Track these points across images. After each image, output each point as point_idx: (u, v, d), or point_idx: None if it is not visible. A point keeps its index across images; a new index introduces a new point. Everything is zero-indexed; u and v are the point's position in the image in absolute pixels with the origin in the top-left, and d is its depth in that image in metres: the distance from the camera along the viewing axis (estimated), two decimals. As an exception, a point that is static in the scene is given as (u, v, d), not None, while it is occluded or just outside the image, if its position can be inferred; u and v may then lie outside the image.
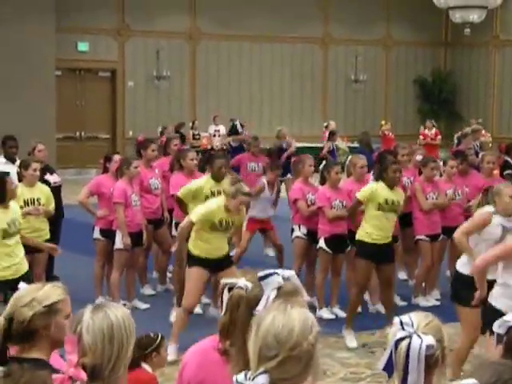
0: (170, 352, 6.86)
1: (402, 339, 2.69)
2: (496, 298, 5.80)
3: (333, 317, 8.99)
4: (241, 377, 2.48)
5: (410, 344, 2.66)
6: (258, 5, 24.14)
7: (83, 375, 2.75)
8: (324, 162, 11.41)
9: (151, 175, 9.93)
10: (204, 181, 8.85)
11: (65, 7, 22.03)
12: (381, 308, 9.14)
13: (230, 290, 3.35)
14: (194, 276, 7.62)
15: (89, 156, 21.36)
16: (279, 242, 10.32)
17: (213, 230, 7.61)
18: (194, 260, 7.65)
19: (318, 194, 9.12)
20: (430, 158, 10.38)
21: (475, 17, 21.29)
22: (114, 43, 23.34)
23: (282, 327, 2.37)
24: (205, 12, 23.95)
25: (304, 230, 9.30)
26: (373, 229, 8.25)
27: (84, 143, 22.85)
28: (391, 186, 8.35)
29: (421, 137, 21.66)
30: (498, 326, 3.33)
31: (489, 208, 6.52)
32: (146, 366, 5.21)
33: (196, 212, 7.68)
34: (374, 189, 8.39)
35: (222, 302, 3.38)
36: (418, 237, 9.60)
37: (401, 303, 9.51)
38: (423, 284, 9.82)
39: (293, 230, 9.47)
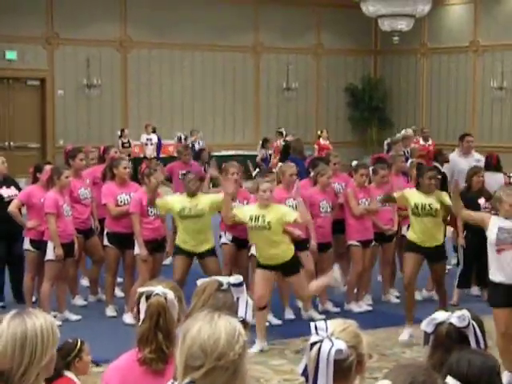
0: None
1: (314, 343, 2.69)
2: None
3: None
4: None
5: (320, 348, 2.67)
6: (189, 13, 24.10)
7: None
8: (258, 170, 11.59)
9: (80, 185, 9.83)
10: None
11: (-8, 15, 21.71)
12: (314, 314, 9.20)
13: (147, 298, 3.34)
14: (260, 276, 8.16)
15: (18, 166, 20.93)
16: None
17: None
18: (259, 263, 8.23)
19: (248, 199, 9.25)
20: (360, 164, 10.51)
21: (403, 25, 21.60)
22: (43, 51, 23.04)
23: (208, 337, 2.36)
24: (136, 20, 23.82)
25: (229, 236, 9.38)
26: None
27: (13, 152, 22.44)
28: (426, 192, 8.61)
29: (316, 146, 21.18)
30: (425, 325, 3.37)
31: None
32: (69, 374, 5.11)
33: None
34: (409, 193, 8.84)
35: (138, 310, 3.37)
36: (349, 242, 9.71)
37: (333, 309, 9.59)
38: (355, 290, 9.91)
39: (220, 237, 9.57)
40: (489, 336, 3.43)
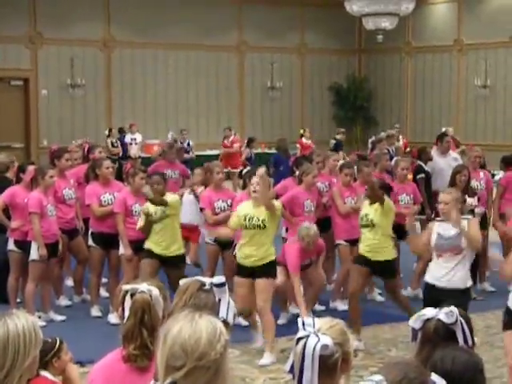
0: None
1: (301, 338, 2.69)
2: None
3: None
4: None
5: (306, 343, 2.67)
6: (172, 13, 24.07)
7: None
8: (244, 169, 11.58)
9: (65, 185, 9.80)
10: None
11: (-25, 15, 21.61)
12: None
13: (132, 295, 3.35)
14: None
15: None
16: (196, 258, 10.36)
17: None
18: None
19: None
20: (345, 163, 10.56)
21: (387, 24, 21.67)
22: (26, 51, 22.94)
23: (189, 337, 2.35)
24: (119, 20, 23.76)
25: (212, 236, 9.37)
26: None
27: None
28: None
29: (298, 145, 21.04)
30: (413, 321, 3.37)
31: None
32: (45, 374, 5.06)
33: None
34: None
35: (123, 307, 3.37)
36: (337, 241, 9.71)
37: (319, 307, 9.58)
38: (341, 288, 9.91)
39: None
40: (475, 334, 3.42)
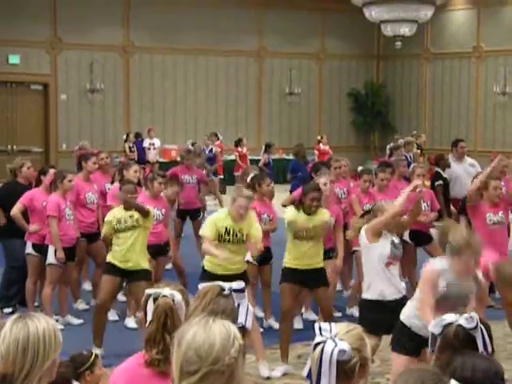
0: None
1: (318, 344, 2.69)
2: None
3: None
4: None
5: (323, 348, 2.67)
6: (192, 18, 24.13)
7: None
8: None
9: (89, 189, 9.87)
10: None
11: (-4, 19, 21.77)
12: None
13: (154, 300, 3.36)
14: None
15: (21, 170, 21.07)
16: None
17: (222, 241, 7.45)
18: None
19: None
20: (364, 170, 10.53)
21: (406, 30, 21.63)
22: (46, 56, 23.08)
23: (203, 342, 2.36)
24: (138, 25, 23.85)
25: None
26: None
27: (16, 156, 22.43)
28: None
29: (316, 151, 21.13)
30: (432, 327, 3.35)
31: None
32: None
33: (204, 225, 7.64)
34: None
35: (145, 312, 3.38)
36: (354, 248, 9.68)
37: (336, 314, 9.56)
38: (358, 295, 9.88)
39: None
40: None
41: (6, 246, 9.88)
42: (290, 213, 7.81)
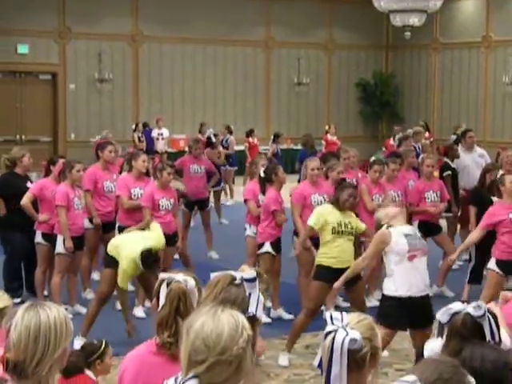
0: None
1: (329, 333, 2.70)
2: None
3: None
4: (171, 381, 2.49)
5: (334, 337, 2.67)
6: (200, 8, 24.10)
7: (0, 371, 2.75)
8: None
9: (107, 177, 9.90)
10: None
11: (4, 9, 21.75)
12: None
13: (168, 285, 3.38)
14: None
15: (30, 160, 21.11)
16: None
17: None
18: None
19: (268, 198, 8.97)
20: (376, 160, 10.51)
21: (415, 20, 21.51)
22: (55, 46, 23.09)
23: (211, 332, 2.37)
24: (147, 15, 23.82)
25: (254, 229, 9.37)
26: None
27: (24, 146, 22.43)
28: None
29: (323, 141, 20.98)
30: (440, 315, 3.35)
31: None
32: (89, 373, 5.17)
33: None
34: None
35: (158, 296, 3.40)
36: (363, 238, 9.67)
37: (344, 304, 9.58)
38: (366, 285, 9.89)
39: (245, 229, 9.59)
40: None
41: (6, 237, 9.90)
42: (327, 208, 7.87)
